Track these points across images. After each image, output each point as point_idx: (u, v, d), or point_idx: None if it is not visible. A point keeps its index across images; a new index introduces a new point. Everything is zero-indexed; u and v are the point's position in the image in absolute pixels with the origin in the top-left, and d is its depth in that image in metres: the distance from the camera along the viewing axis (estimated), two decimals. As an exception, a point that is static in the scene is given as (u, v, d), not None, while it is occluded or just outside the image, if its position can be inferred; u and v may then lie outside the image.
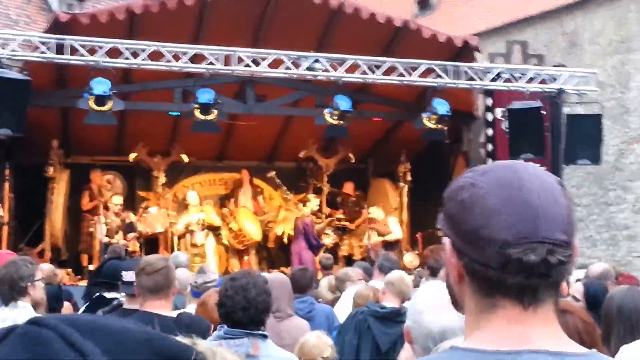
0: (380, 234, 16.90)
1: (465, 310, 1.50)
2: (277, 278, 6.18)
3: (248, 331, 4.32)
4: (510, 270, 1.39)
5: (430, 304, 2.76)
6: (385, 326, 6.27)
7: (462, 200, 1.46)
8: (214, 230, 16.84)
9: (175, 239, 16.52)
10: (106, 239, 15.22)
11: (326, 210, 18.05)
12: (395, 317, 6.23)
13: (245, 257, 17.28)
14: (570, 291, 6.69)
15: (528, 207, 1.40)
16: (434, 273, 9.02)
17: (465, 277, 1.47)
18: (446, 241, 1.50)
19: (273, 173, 17.87)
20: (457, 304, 1.54)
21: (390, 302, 6.54)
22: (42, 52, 12.32)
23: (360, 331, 6.37)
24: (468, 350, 1.45)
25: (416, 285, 9.10)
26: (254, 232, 17.19)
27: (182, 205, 17.18)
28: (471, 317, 1.48)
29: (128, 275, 5.48)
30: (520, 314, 1.42)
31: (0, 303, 5.11)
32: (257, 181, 18.43)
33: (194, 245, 16.25)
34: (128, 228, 15.89)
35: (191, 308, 6.76)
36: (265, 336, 4.41)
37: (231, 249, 17.32)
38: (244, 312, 4.31)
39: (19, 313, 4.99)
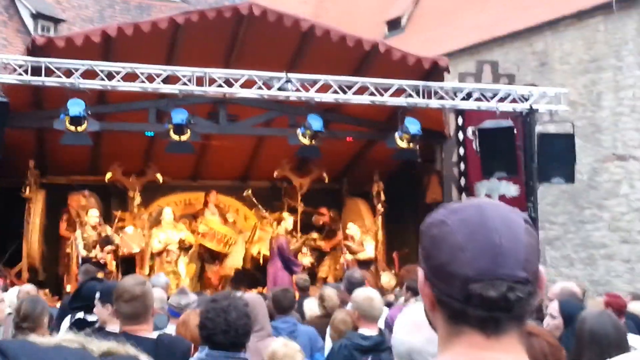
0: (352, 252, 16.92)
1: (438, 335, 1.62)
2: (253, 298, 6.20)
3: (229, 353, 4.34)
4: (473, 304, 1.50)
5: (399, 326, 2.88)
6: (372, 358, 6.15)
7: (433, 236, 1.57)
8: (188, 249, 16.90)
9: (149, 255, 16.53)
10: (84, 252, 15.31)
11: (299, 231, 17.99)
12: (380, 346, 6.17)
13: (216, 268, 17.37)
14: (547, 310, 6.66)
15: (489, 245, 1.50)
16: (416, 293, 8.87)
17: (436, 306, 1.59)
18: (420, 272, 1.61)
19: (249, 191, 17.90)
20: (434, 328, 1.65)
21: (367, 327, 6.41)
22: (19, 74, 12.40)
23: None
24: None
25: (388, 305, 9.16)
26: (227, 230, 17.28)
27: (156, 222, 17.23)
28: (441, 342, 1.60)
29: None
30: (483, 341, 1.52)
31: None
32: (231, 200, 18.52)
33: (168, 263, 16.30)
34: (104, 241, 15.81)
35: (171, 328, 6.81)
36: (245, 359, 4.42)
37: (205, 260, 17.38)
38: (224, 335, 4.32)
39: None
